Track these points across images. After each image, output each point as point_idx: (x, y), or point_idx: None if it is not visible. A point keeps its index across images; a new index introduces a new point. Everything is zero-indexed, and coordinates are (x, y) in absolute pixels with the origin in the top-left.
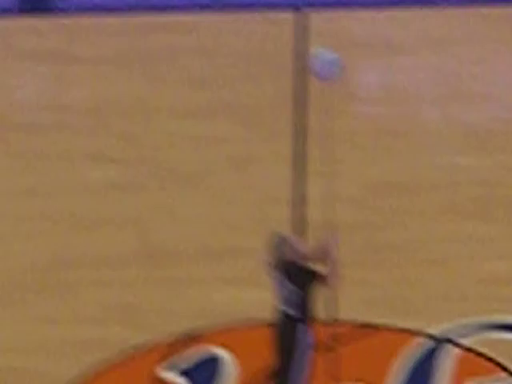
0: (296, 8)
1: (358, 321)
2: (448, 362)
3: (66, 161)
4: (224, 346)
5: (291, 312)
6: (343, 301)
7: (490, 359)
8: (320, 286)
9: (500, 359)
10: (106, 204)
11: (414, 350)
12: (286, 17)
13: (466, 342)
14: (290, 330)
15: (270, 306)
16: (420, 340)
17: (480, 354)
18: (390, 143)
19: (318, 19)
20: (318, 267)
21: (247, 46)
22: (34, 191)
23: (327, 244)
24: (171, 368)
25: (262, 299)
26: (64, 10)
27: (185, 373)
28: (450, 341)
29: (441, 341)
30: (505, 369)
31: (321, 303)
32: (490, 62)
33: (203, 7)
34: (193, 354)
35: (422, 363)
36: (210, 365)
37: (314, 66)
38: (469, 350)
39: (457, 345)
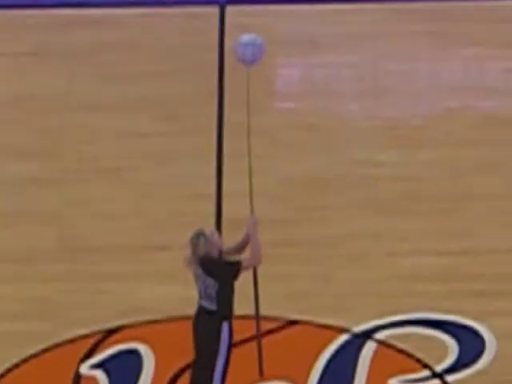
0: (219, 3)
1: (279, 316)
2: (369, 358)
3: None
4: (144, 340)
5: (211, 307)
6: (263, 296)
7: (410, 355)
8: (239, 276)
9: (421, 355)
10: (25, 198)
11: (336, 346)
12: (209, 11)
13: (386, 338)
14: (211, 325)
15: (192, 302)
16: (342, 336)
17: (401, 351)
18: (309, 139)
19: (239, 14)
20: (236, 258)
21: (170, 41)
22: None
23: (248, 228)
24: (91, 363)
25: (184, 295)
26: None
27: (104, 367)
28: (370, 337)
29: (362, 337)
30: (426, 365)
31: (241, 298)
32: (409, 57)
33: (124, 2)
34: (112, 349)
35: (344, 359)
36: (130, 359)
37: (237, 49)
38: (389, 346)
39: (377, 341)
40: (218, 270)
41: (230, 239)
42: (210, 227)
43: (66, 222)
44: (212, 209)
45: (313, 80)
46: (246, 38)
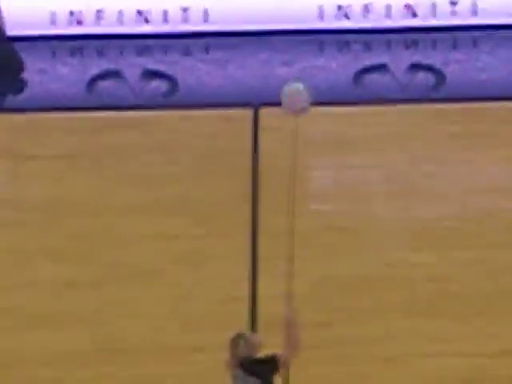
0: (251, 105)
1: None
2: None
3: (19, 257)
4: None
5: None
6: None
7: None
8: (281, 372)
9: None
10: (59, 301)
11: None
12: (242, 114)
13: None
14: None
15: None
16: None
17: None
18: (342, 240)
19: (271, 116)
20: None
21: (202, 143)
22: None
23: (287, 323)
24: None
25: None
26: (14, 108)
27: None
28: None
29: None
30: None
31: None
32: (441, 159)
33: (157, 105)
34: None
35: None
36: None
37: (283, 99)
38: None
39: None
40: (260, 369)
41: (265, 341)
42: (245, 329)
43: (103, 324)
44: (246, 310)
45: (346, 181)
46: (293, 86)
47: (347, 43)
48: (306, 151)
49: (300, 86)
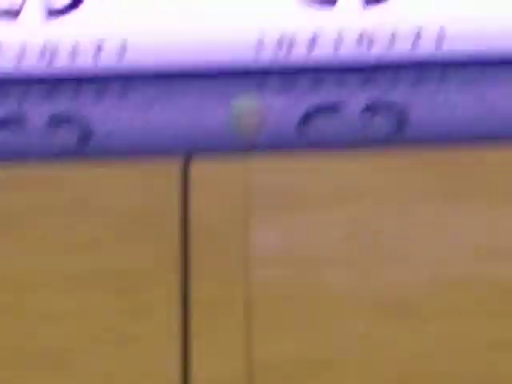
0: (179, 156)
1: None
2: None
3: None
4: None
5: None
6: None
7: None
8: None
9: None
10: None
11: None
12: (168, 167)
13: None
14: None
15: None
16: None
17: None
18: (292, 312)
19: (204, 168)
20: None
21: (122, 202)
22: None
23: None
24: None
25: None
26: None
27: None
28: None
29: None
30: None
31: None
32: (409, 213)
33: (68, 158)
34: None
35: None
36: None
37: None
38: None
39: None
40: None
41: None
42: None
43: None
44: None
45: (296, 242)
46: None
47: (293, 80)
48: (248, 208)
49: (250, 103)
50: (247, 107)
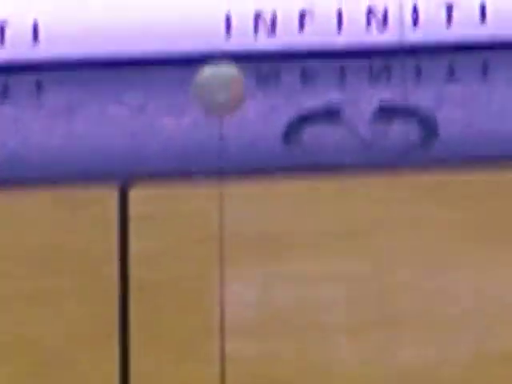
0: (115, 182)
1: None
2: None
3: None
4: None
5: None
6: None
7: None
8: None
9: None
10: None
11: None
12: (102, 196)
13: None
14: None
15: None
16: None
17: None
18: None
19: (146, 198)
20: None
21: (38, 239)
22: None
23: None
24: None
25: None
26: None
27: None
28: None
29: None
30: None
31: None
32: (433, 264)
33: None
34: None
35: None
36: None
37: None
38: None
39: None
40: None
41: None
42: None
43: None
44: None
45: (278, 301)
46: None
47: (276, 71)
48: (213, 252)
49: (227, 69)
50: (222, 74)
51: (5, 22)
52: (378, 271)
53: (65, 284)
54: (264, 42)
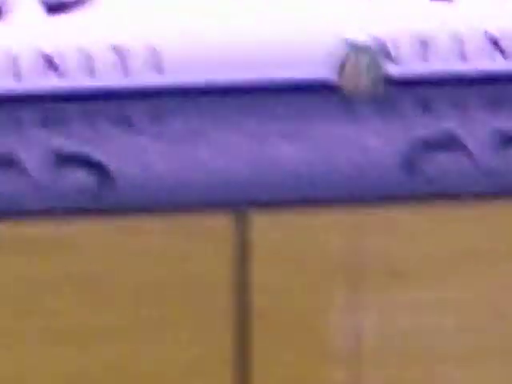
0: (233, 208)
1: None
2: None
3: None
4: None
5: None
6: None
7: None
8: None
9: None
10: None
11: None
12: (217, 222)
13: None
14: None
15: None
16: None
17: None
18: None
19: (266, 223)
20: None
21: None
22: None
23: None
24: None
25: None
26: None
27: None
28: None
29: None
30: None
31: None
32: None
33: None
34: None
35: None
36: None
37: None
38: None
39: None
40: None
41: None
42: None
43: None
44: None
45: (395, 331)
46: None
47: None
48: (335, 281)
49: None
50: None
51: (125, 49)
52: (491, 298)
53: (180, 313)
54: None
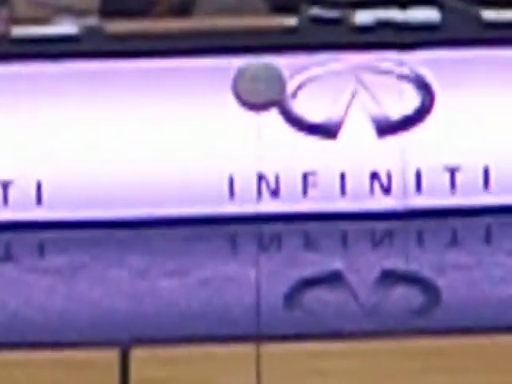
0: (117, 344)
1: None
2: None
3: None
4: None
5: None
6: None
7: None
8: None
9: None
10: None
11: None
12: (103, 358)
13: None
14: None
15: None
16: None
17: None
18: None
19: (148, 361)
20: None
21: None
22: None
23: None
24: None
25: None
26: None
27: None
28: None
29: None
30: None
31: None
32: None
33: None
34: None
35: None
36: None
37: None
38: None
39: None
40: None
41: None
42: None
43: None
44: None
45: None
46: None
47: (277, 238)
48: None
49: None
50: (261, 70)
51: (10, 182)
52: None
53: None
54: (267, 205)
